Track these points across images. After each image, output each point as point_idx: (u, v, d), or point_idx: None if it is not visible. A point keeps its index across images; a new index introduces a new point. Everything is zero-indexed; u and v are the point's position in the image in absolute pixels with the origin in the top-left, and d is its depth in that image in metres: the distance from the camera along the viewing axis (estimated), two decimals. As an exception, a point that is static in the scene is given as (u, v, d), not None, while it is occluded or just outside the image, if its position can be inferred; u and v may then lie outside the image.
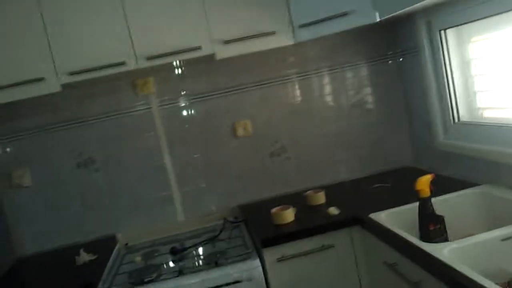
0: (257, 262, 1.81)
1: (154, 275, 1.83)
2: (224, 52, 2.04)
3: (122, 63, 1.97)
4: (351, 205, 2.02)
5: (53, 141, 2.30)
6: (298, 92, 2.46)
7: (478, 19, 1.80)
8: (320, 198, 2.14)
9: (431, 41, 2.12)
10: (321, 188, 2.24)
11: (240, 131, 2.41)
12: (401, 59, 2.44)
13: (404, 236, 1.54)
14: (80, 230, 2.34)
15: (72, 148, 2.31)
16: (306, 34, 2.06)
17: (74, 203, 2.34)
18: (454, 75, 2.07)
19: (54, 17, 1.94)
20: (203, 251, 2.03)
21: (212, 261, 1.85)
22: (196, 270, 1.83)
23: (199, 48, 2.01)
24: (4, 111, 2.24)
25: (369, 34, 2.45)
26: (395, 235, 1.57)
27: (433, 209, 1.65)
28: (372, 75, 2.49)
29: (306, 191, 2.23)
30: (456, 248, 1.38)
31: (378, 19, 1.85)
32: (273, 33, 2.05)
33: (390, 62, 2.49)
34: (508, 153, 1.74)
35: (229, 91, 2.40)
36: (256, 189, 2.45)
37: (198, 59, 2.14)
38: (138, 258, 2.05)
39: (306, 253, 1.84)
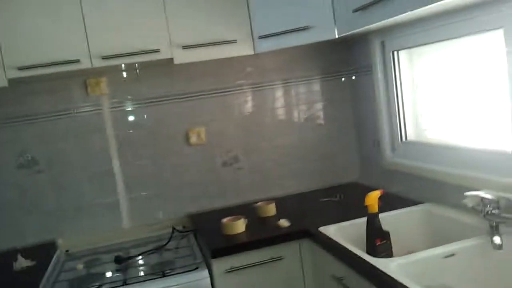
0: (205, 273, 1.78)
1: (97, 284, 1.75)
2: (182, 57, 2.01)
3: (75, 61, 1.89)
4: (301, 218, 2.04)
5: (-7, 138, 2.17)
6: (253, 103, 2.46)
7: (428, 43, 1.90)
8: (271, 209, 2.15)
9: (384, 61, 2.20)
10: (272, 199, 2.25)
11: (194, 139, 2.38)
12: (353, 77, 2.51)
13: (352, 250, 1.57)
14: (18, 234, 2.21)
15: (14, 147, 2.19)
16: (265, 45, 2.07)
17: (12, 205, 2.20)
18: (404, 95, 2.16)
19: (7, 8, 1.84)
20: (150, 260, 1.97)
21: (159, 271, 1.80)
22: (142, 280, 1.77)
23: (157, 51, 1.97)
24: None
25: (326, 51, 2.51)
26: (344, 249, 1.60)
27: (380, 224, 1.70)
28: (325, 90, 2.54)
29: (257, 202, 2.23)
30: (402, 264, 1.42)
31: (336, 36, 1.90)
32: (233, 41, 2.05)
33: (343, 79, 2.55)
34: (450, 173, 1.82)
35: (185, 97, 2.36)
36: (206, 198, 2.42)
37: (155, 62, 2.10)
38: (79, 266, 1.97)
39: (255, 265, 1.83)
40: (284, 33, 2.00)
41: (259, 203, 2.18)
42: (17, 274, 1.86)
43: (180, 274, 1.77)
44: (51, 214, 2.25)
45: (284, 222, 1.95)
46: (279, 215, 2.10)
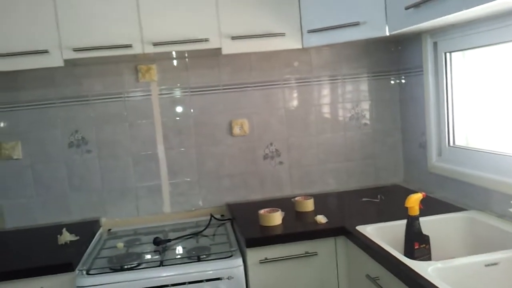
0: (239, 261, 1.80)
1: (135, 263, 1.81)
2: (231, 48, 2.04)
3: (128, 46, 1.95)
4: (339, 216, 2.03)
5: (48, 117, 2.28)
6: (298, 98, 2.46)
7: (482, 46, 1.83)
8: (309, 205, 2.14)
9: (436, 63, 2.14)
10: (311, 195, 2.24)
11: (237, 130, 2.40)
12: (403, 77, 2.45)
13: (389, 251, 1.55)
14: (65, 210, 2.32)
15: (66, 126, 2.29)
16: (314, 40, 2.06)
17: (62, 182, 2.31)
18: (454, 99, 2.09)
19: (66, -9, 1.93)
20: (186, 245, 2.01)
21: (194, 256, 1.84)
22: (178, 262, 1.81)
23: (206, 40, 2.00)
24: (3, 81, 2.22)
25: (376, 49, 2.47)
26: (381, 249, 1.58)
27: (420, 228, 1.66)
28: (372, 90, 2.50)
29: (295, 197, 2.23)
30: (440, 268, 1.38)
31: (387, 33, 1.86)
32: (282, 34, 2.05)
33: (392, 79, 2.50)
34: (498, 180, 1.75)
35: (231, 89, 2.39)
36: (245, 189, 2.44)
37: (203, 52, 2.13)
38: (120, 244, 2.03)
39: (289, 258, 1.84)
40: (333, 28, 1.99)
41: (298, 198, 2.18)
42: (61, 247, 1.94)
43: (215, 260, 1.81)
44: (97, 193, 2.34)
45: (321, 218, 1.94)
46: (317, 211, 2.09)
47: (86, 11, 1.94)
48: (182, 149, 2.39)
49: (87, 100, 2.30)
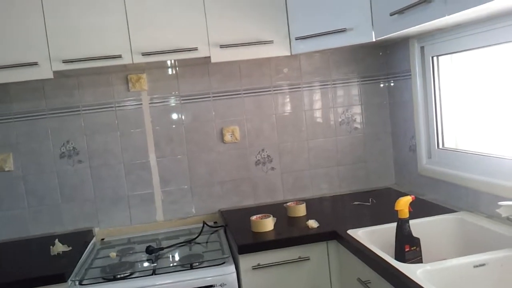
0: (232, 268, 1.81)
1: (128, 272, 1.81)
2: (220, 56, 2.05)
3: (117, 56, 1.96)
4: (331, 220, 2.04)
5: (40, 128, 2.28)
6: (288, 104, 2.48)
7: (468, 49, 1.86)
8: (301, 210, 2.15)
9: (423, 67, 2.16)
10: (302, 200, 2.25)
11: (228, 137, 2.42)
12: (392, 82, 2.48)
13: (379, 254, 1.56)
14: (58, 221, 2.32)
15: (57, 137, 2.30)
16: (302, 47, 2.08)
17: (54, 192, 2.31)
18: (442, 102, 2.12)
19: (54, 2, 1.93)
20: (179, 252, 2.02)
21: (187, 264, 1.84)
22: (171, 271, 1.82)
23: (195, 49, 2.01)
24: (-7, 93, 2.23)
25: (364, 54, 2.49)
26: (371, 253, 1.59)
27: (410, 230, 1.67)
28: (362, 94, 2.53)
29: (287, 202, 2.24)
30: (429, 270, 1.39)
31: (374, 39, 1.89)
32: (270, 42, 2.07)
33: (381, 83, 2.53)
34: (486, 182, 1.78)
35: (221, 96, 2.41)
36: (238, 196, 2.45)
37: (194, 61, 2.15)
38: (113, 254, 2.03)
39: (281, 263, 1.85)
40: (321, 35, 2.01)
41: (289, 203, 2.19)
42: (53, 258, 1.94)
43: (207, 268, 1.81)
44: (90, 203, 2.34)
45: (313, 223, 1.96)
46: (309, 216, 2.10)
47: (74, 23, 1.95)
48: (174, 157, 2.39)
49: (78, 111, 2.30)
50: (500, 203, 1.49)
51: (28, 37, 1.93)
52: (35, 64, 1.93)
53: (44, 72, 1.94)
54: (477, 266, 1.44)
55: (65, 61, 1.94)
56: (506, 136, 1.78)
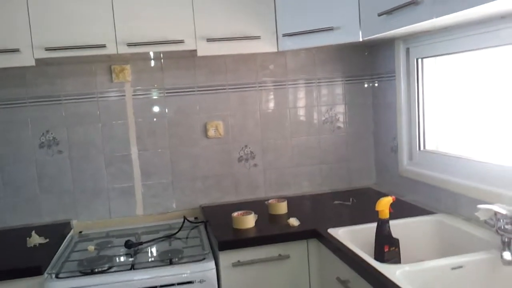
0: (212, 264, 1.80)
1: (106, 267, 1.79)
2: (206, 50, 2.03)
3: (102, 46, 1.93)
4: (312, 218, 2.04)
5: (19, 116, 2.23)
6: (273, 101, 2.47)
7: (453, 53, 1.87)
8: (282, 207, 2.15)
9: (408, 68, 2.18)
10: (284, 198, 2.26)
11: (212, 132, 2.40)
12: (376, 82, 2.49)
13: (359, 254, 1.57)
14: (35, 212, 2.27)
15: (37, 126, 2.25)
16: (289, 44, 2.08)
17: (32, 183, 2.27)
18: (425, 104, 2.14)
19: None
20: (159, 247, 2.00)
21: (167, 259, 1.82)
22: (150, 266, 1.80)
23: (181, 41, 1.99)
24: (-30, 80, 2.17)
25: (350, 54, 2.50)
26: (350, 252, 1.60)
27: (390, 231, 1.69)
28: (346, 94, 2.53)
29: (269, 199, 2.24)
30: (408, 271, 1.41)
31: (361, 39, 1.89)
32: (257, 38, 2.06)
33: (366, 83, 2.54)
34: (466, 185, 1.80)
35: (206, 91, 2.39)
36: (220, 192, 2.44)
37: (179, 53, 2.13)
38: (91, 247, 2.00)
39: (261, 261, 1.84)
40: (308, 32, 2.01)
41: (271, 201, 2.19)
42: (30, 250, 1.90)
43: (187, 263, 1.80)
44: (68, 195, 2.30)
45: (293, 221, 1.96)
46: (290, 214, 2.11)
47: (59, 10, 1.91)
48: (156, 150, 2.37)
49: (59, 100, 2.26)
50: (479, 206, 1.51)
51: (10, 23, 1.88)
52: (17, 50, 1.88)
53: (25, 60, 1.90)
54: (454, 268, 1.46)
55: (47, 49, 1.90)
56: (487, 140, 1.81)
